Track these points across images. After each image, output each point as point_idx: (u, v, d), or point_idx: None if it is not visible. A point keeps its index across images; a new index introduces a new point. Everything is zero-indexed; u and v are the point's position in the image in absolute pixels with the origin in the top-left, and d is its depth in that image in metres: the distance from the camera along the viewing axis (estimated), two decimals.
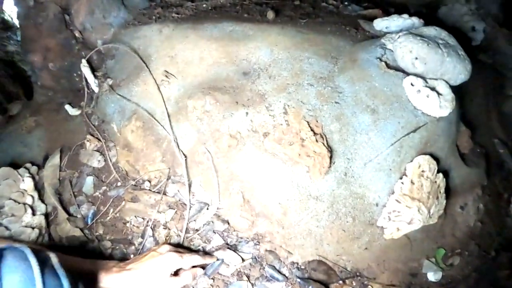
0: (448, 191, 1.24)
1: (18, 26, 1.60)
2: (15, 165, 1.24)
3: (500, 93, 1.97)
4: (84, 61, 1.41)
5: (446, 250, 1.36)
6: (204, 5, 1.57)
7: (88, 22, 1.47)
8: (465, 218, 1.44)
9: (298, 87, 1.15)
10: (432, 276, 1.29)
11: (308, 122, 1.10)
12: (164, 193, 1.16)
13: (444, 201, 1.21)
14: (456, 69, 1.15)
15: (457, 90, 1.30)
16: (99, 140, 1.31)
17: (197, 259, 0.99)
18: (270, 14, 1.38)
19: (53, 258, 0.69)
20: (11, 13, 3.01)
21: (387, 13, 1.68)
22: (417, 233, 1.24)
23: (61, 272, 0.66)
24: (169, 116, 1.22)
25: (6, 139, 1.44)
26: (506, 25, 2.29)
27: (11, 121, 1.59)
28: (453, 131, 1.25)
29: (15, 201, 1.14)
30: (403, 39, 1.13)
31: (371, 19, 1.55)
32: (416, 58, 1.12)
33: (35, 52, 1.46)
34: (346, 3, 1.68)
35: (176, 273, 0.96)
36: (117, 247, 1.09)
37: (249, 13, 1.44)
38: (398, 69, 1.17)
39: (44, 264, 0.64)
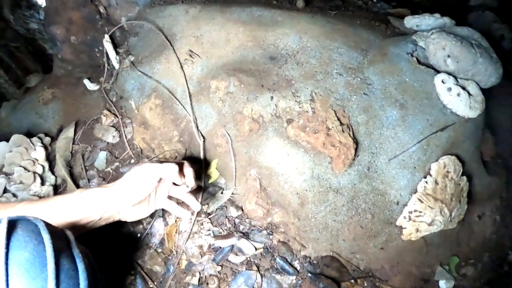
0: (470, 197, 1.20)
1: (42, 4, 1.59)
2: (29, 135, 1.21)
3: None
4: (107, 36, 1.38)
5: (460, 258, 1.32)
6: None
7: None
8: (482, 228, 1.40)
9: (327, 75, 1.12)
10: (444, 284, 1.25)
11: (335, 111, 1.06)
12: None
13: (466, 206, 1.17)
14: (487, 71, 1.12)
15: (484, 94, 1.28)
16: (116, 116, 1.27)
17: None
18: (300, 3, 1.35)
19: (70, 236, 0.59)
20: None
21: (415, 14, 1.66)
22: (434, 238, 1.20)
23: (76, 253, 0.56)
24: (190, 96, 1.18)
25: (22, 109, 1.42)
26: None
27: (28, 92, 1.58)
28: (479, 135, 1.22)
29: (25, 168, 1.10)
30: (437, 36, 1.11)
31: (399, 17, 1.53)
32: (449, 56, 1.09)
33: (58, 24, 1.44)
34: (375, 0, 1.66)
35: None
36: (124, 226, 1.05)
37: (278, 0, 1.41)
38: (429, 66, 1.14)
39: (58, 241, 0.54)
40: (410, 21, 1.33)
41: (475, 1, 2.11)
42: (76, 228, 0.78)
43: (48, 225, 0.55)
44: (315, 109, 1.07)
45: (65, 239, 0.58)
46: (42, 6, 1.52)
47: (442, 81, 1.07)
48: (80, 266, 0.54)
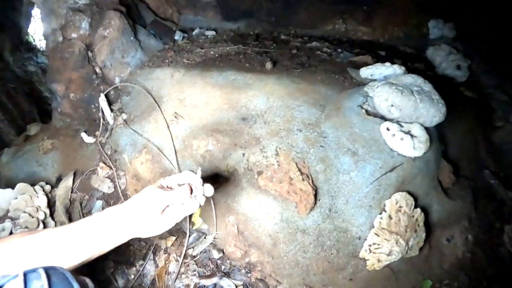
0: (428, 225, 1.33)
1: (46, 57, 1.82)
2: (30, 182, 1.39)
3: (489, 125, 2.05)
4: (102, 95, 1.62)
5: (433, 281, 1.43)
6: (212, 52, 1.80)
7: (108, 60, 1.71)
8: (453, 250, 1.50)
9: (289, 132, 1.32)
10: None
11: (296, 163, 1.25)
12: None
13: (424, 234, 1.30)
14: (429, 112, 1.28)
15: (439, 128, 1.44)
16: (111, 168, 1.49)
17: (184, 190, 0.89)
18: (268, 65, 1.57)
19: (89, 283, 0.72)
20: (34, 34, 3.32)
21: (377, 58, 1.85)
22: (401, 265, 1.33)
23: None
24: (176, 153, 1.40)
25: (23, 157, 1.61)
26: (492, 60, 2.42)
27: (29, 140, 1.77)
28: (432, 168, 1.37)
29: (29, 214, 1.30)
30: (380, 89, 1.29)
31: (361, 65, 1.72)
32: (392, 105, 1.26)
33: (59, 82, 1.68)
34: (339, 50, 1.87)
35: None
36: (119, 267, 1.24)
37: (250, 62, 1.64)
38: (377, 115, 1.32)
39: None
40: (365, 72, 1.52)
41: (434, 35, 2.30)
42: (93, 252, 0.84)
43: (73, 274, 0.68)
44: (280, 162, 1.26)
45: (86, 286, 0.74)
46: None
47: (387, 129, 1.24)
48: None
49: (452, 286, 1.47)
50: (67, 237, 0.79)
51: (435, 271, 1.46)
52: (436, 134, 1.42)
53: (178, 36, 2.03)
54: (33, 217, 1.30)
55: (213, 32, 2.10)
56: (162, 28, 2.04)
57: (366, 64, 1.78)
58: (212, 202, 1.29)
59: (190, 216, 1.32)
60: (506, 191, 1.79)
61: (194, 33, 2.13)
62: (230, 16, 2.25)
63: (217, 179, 1.30)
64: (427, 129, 1.32)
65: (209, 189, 0.92)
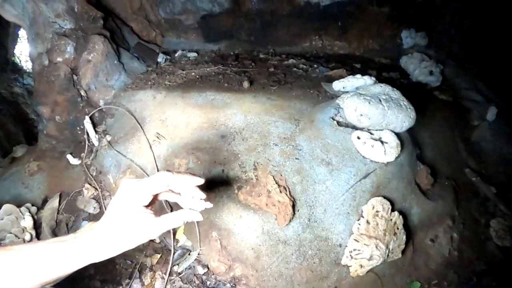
0: (408, 227, 1.37)
1: (32, 79, 1.84)
2: (16, 203, 1.41)
3: (466, 125, 2.12)
4: (87, 118, 1.66)
5: (422, 282, 1.45)
6: (193, 73, 1.87)
7: (93, 84, 1.76)
8: (438, 250, 1.52)
9: (266, 147, 1.37)
10: None
11: (273, 176, 1.30)
12: (152, 240, 1.35)
13: (404, 236, 1.33)
14: (399, 118, 1.34)
15: (413, 133, 1.49)
16: (96, 189, 1.53)
17: (167, 178, 0.78)
18: (246, 84, 1.65)
19: None
20: (21, 56, 3.31)
21: (352, 71, 1.93)
22: (385, 269, 1.36)
23: None
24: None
25: (9, 179, 1.63)
26: (464, 62, 2.52)
27: (15, 162, 1.79)
28: (407, 171, 1.41)
29: (15, 235, 1.32)
30: (349, 100, 1.35)
31: (336, 78, 1.80)
32: (361, 115, 1.32)
33: (45, 105, 1.71)
34: (315, 65, 1.95)
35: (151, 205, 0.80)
36: (106, 287, 1.26)
37: (229, 82, 1.71)
38: (349, 125, 1.37)
39: None
40: (337, 85, 1.59)
41: (407, 44, 2.41)
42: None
43: None
44: (258, 176, 1.31)
45: None
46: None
47: (358, 137, 1.30)
48: None
49: (441, 285, 1.48)
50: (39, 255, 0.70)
51: (422, 272, 1.48)
52: (410, 138, 1.48)
53: (161, 58, 2.11)
54: (19, 238, 1.32)
55: (195, 54, 2.18)
56: (146, 51, 2.11)
57: (341, 77, 1.86)
58: None
59: (174, 233, 1.35)
60: (488, 187, 1.85)
61: (176, 55, 2.21)
62: (212, 37, 2.35)
63: None
64: (398, 134, 1.37)
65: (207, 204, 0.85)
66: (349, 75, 1.84)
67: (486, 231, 1.71)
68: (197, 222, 1.33)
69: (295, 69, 1.88)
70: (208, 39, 2.34)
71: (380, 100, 1.35)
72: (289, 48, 2.30)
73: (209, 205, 0.86)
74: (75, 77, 1.75)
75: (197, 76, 1.82)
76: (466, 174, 1.91)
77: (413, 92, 1.96)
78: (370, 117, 1.32)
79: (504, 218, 1.75)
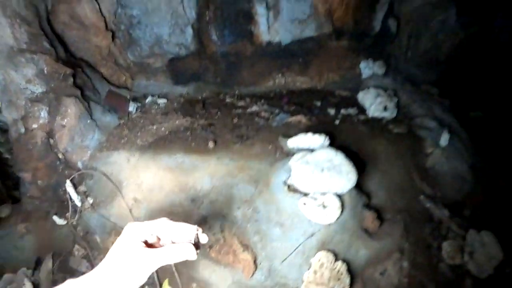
0: (350, 271, 1.67)
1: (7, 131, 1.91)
2: (8, 265, 1.56)
3: (420, 154, 2.32)
4: (68, 181, 1.82)
5: None
6: (163, 129, 2.05)
7: (69, 147, 1.89)
8: (388, 280, 1.78)
9: (230, 210, 1.62)
10: None
11: (237, 237, 1.56)
12: None
13: (348, 279, 1.63)
14: (340, 183, 1.60)
15: (363, 182, 1.75)
16: (85, 249, 1.74)
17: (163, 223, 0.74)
18: (211, 144, 1.85)
19: None
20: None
21: (311, 116, 2.14)
22: None
23: None
24: None
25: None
26: (423, 81, 2.76)
27: (2, 224, 1.85)
28: (351, 224, 1.70)
29: None
30: (295, 167, 1.60)
31: (296, 125, 2.03)
32: (306, 183, 1.57)
33: (26, 171, 1.84)
34: (276, 111, 2.16)
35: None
36: None
37: (195, 140, 1.91)
38: (298, 190, 1.63)
39: None
40: (291, 143, 1.82)
41: (366, 74, 2.61)
42: None
43: None
44: (225, 237, 1.57)
45: None
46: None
47: (304, 203, 1.56)
48: None
49: None
50: None
51: None
52: (354, 194, 1.71)
53: (132, 107, 2.24)
54: None
55: (165, 100, 2.34)
56: (117, 100, 2.23)
57: (300, 123, 2.09)
58: (176, 273, 1.59)
59: (160, 284, 1.61)
60: (442, 211, 1.97)
61: (147, 101, 2.35)
62: (180, 80, 2.49)
63: None
64: (341, 196, 1.63)
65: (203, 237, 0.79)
66: (308, 120, 2.07)
67: (439, 253, 1.84)
68: (179, 275, 1.59)
69: (257, 118, 2.08)
70: (177, 82, 2.48)
71: (322, 169, 1.60)
72: (253, 88, 2.48)
73: (205, 237, 0.79)
74: (51, 141, 1.86)
75: (167, 132, 2.00)
76: (420, 201, 2.04)
77: (368, 128, 2.19)
78: (313, 185, 1.58)
79: (455, 238, 1.86)
